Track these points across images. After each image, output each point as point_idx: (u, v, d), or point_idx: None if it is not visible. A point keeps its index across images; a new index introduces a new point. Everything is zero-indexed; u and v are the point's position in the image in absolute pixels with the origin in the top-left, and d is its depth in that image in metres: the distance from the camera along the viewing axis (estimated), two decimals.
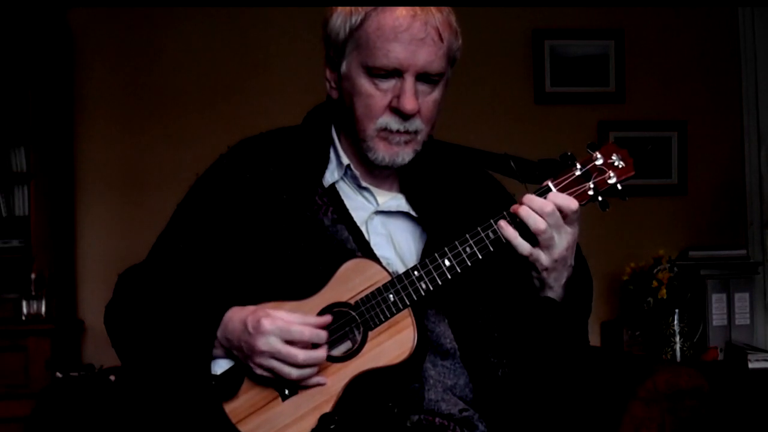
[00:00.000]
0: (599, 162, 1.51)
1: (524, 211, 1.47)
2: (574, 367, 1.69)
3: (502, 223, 1.49)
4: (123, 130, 3.87)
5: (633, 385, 1.88)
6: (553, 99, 3.98)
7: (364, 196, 1.66)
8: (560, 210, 1.47)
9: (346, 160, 1.64)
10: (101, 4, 3.82)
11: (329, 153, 1.67)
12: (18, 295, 3.61)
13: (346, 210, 1.62)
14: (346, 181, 1.66)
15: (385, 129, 1.57)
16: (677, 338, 3.59)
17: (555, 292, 1.55)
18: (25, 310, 3.56)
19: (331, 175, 1.66)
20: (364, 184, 1.65)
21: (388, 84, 1.55)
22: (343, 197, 1.64)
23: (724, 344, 3.65)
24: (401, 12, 1.53)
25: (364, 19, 1.54)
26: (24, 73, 3.64)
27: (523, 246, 1.48)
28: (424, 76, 1.56)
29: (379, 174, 1.66)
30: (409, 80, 1.54)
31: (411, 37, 1.52)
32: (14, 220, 3.71)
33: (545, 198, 1.48)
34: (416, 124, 1.57)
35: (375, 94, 1.56)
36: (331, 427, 1.48)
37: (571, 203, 1.48)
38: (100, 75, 3.86)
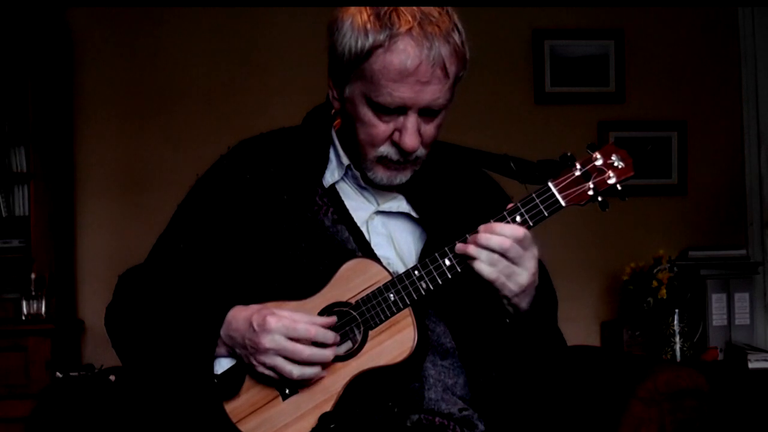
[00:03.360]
0: (599, 162, 1.51)
1: (472, 249, 1.47)
2: (554, 368, 1.70)
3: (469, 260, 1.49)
4: (123, 129, 3.87)
5: (633, 385, 1.88)
6: (553, 99, 3.98)
7: (364, 196, 1.66)
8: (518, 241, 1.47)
9: (346, 161, 1.64)
10: (100, 4, 3.82)
11: (329, 153, 1.67)
12: (18, 295, 3.61)
13: (347, 210, 1.62)
14: (347, 181, 1.66)
15: (384, 157, 1.57)
16: (677, 338, 3.59)
17: (525, 310, 1.55)
18: (25, 310, 3.56)
19: (332, 175, 1.66)
20: (364, 184, 1.65)
21: (390, 117, 1.54)
22: (343, 197, 1.64)
23: (724, 344, 3.65)
24: (409, 52, 1.48)
25: (371, 53, 1.49)
26: (24, 73, 3.64)
27: (489, 271, 1.47)
28: (427, 111, 1.54)
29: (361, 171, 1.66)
30: (411, 117, 1.53)
31: (416, 80, 1.49)
32: (14, 220, 3.71)
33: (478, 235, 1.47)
34: (416, 153, 1.56)
35: (377, 124, 1.54)
36: (331, 426, 1.48)
37: (516, 232, 1.47)
38: (100, 75, 3.86)
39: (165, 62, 3.88)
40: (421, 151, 1.57)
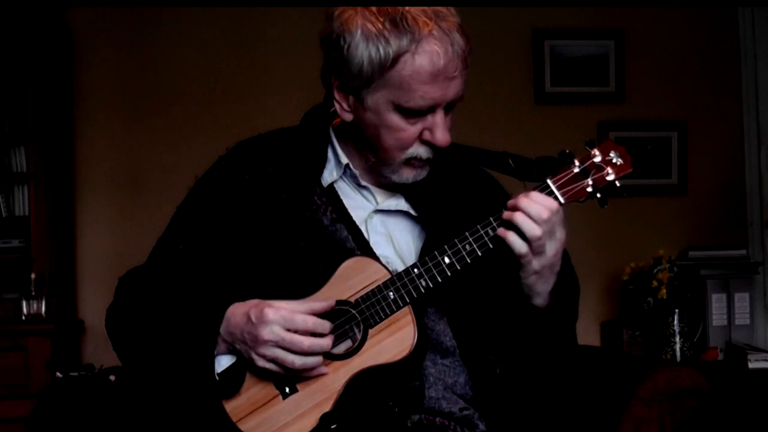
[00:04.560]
0: (597, 159, 1.51)
1: (520, 217, 1.47)
2: (563, 368, 1.70)
3: (501, 230, 1.49)
4: (123, 129, 3.87)
5: (633, 385, 1.88)
6: (553, 99, 3.98)
7: (363, 195, 1.66)
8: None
9: (344, 160, 1.64)
10: (100, 4, 3.82)
11: (327, 153, 1.67)
12: (18, 295, 3.61)
13: (345, 209, 1.63)
14: (345, 180, 1.66)
15: (413, 157, 1.57)
16: (677, 338, 3.59)
17: (542, 297, 1.55)
18: (25, 310, 3.56)
19: (330, 174, 1.66)
20: (363, 183, 1.65)
21: (418, 119, 1.54)
22: (342, 197, 1.64)
23: (724, 344, 3.65)
24: (436, 50, 1.48)
25: (396, 60, 1.49)
26: (24, 73, 3.64)
27: (520, 245, 1.48)
28: (450, 104, 1.56)
29: (378, 174, 1.66)
30: (440, 114, 1.54)
31: (446, 77, 1.51)
32: (14, 220, 3.71)
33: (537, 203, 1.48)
34: (443, 149, 1.57)
35: (406, 128, 1.54)
36: (333, 426, 1.48)
37: (552, 204, 1.48)
38: (100, 75, 3.86)
39: (165, 62, 3.88)
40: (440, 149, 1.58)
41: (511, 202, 1.49)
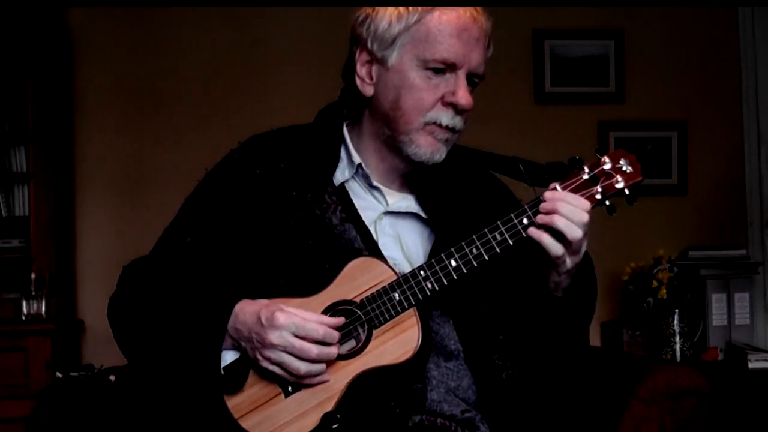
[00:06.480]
0: (607, 166, 1.51)
1: (562, 222, 1.47)
2: (575, 368, 1.70)
3: (532, 230, 1.48)
4: (123, 129, 3.86)
5: (633, 385, 1.88)
6: (553, 99, 3.98)
7: (374, 196, 1.66)
8: None
9: (357, 159, 1.65)
10: (100, 4, 3.82)
11: (340, 152, 1.67)
12: (18, 295, 3.60)
13: (355, 209, 1.63)
14: (357, 180, 1.67)
15: (433, 123, 1.58)
16: (677, 338, 3.59)
17: (561, 292, 1.56)
18: (25, 310, 3.55)
19: (342, 174, 1.66)
20: (374, 183, 1.65)
21: (440, 79, 1.57)
22: (352, 196, 1.64)
23: (724, 344, 3.66)
24: (460, 12, 1.56)
25: (421, 18, 1.56)
26: (24, 73, 3.63)
27: (557, 248, 1.48)
28: (470, 77, 1.59)
29: (390, 174, 1.66)
30: (462, 77, 1.58)
31: (470, 37, 1.56)
32: (14, 220, 3.71)
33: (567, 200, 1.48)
34: (462, 122, 1.60)
35: (427, 87, 1.57)
36: (334, 426, 1.48)
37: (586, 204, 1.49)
38: (100, 75, 3.86)
39: (165, 62, 3.88)
40: (463, 124, 1.60)
41: (547, 206, 1.47)
